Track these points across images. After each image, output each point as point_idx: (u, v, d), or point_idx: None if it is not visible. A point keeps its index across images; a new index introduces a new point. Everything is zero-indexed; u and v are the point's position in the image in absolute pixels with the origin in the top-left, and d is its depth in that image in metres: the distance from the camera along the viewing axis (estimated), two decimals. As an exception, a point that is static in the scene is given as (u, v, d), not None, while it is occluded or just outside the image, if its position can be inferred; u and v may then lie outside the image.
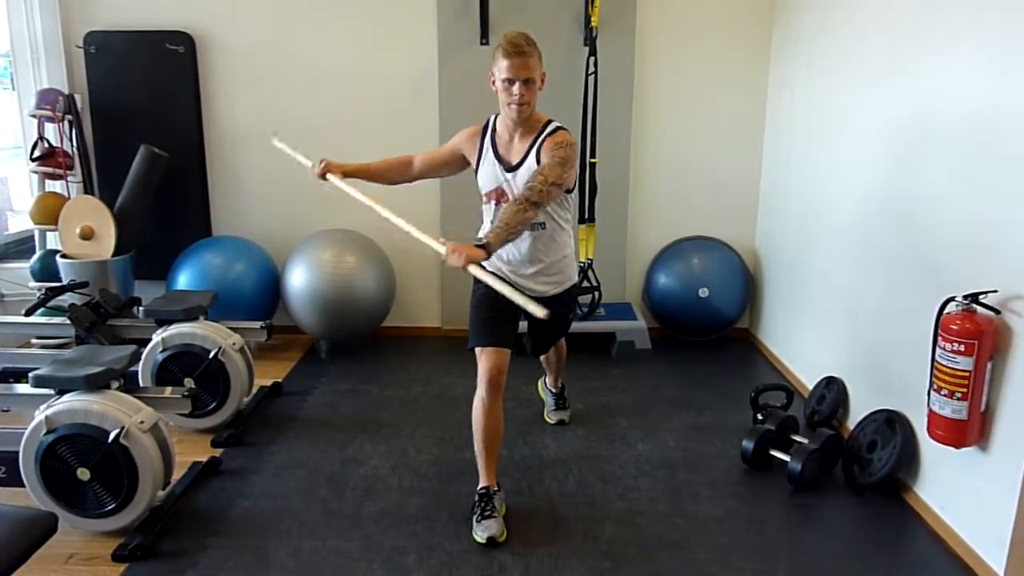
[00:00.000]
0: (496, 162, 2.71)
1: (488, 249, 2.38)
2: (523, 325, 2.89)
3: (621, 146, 4.32)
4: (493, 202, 2.76)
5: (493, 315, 2.71)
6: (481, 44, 4.17)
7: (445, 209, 4.39)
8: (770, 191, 4.31)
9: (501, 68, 2.53)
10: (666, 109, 4.34)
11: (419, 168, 2.93)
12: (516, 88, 2.53)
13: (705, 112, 4.34)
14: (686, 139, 4.38)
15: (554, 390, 3.45)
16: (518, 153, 2.68)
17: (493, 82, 2.60)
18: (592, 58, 4.03)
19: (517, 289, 2.73)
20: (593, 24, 4.03)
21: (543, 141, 2.63)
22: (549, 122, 2.68)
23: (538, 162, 2.62)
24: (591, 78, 4.04)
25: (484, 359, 2.64)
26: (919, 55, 2.75)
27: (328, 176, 2.87)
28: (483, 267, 2.39)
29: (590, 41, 4.05)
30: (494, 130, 2.73)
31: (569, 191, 2.72)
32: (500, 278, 2.76)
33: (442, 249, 2.39)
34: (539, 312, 2.20)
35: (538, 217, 2.70)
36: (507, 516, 2.64)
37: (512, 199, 2.59)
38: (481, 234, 2.77)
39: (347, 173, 2.88)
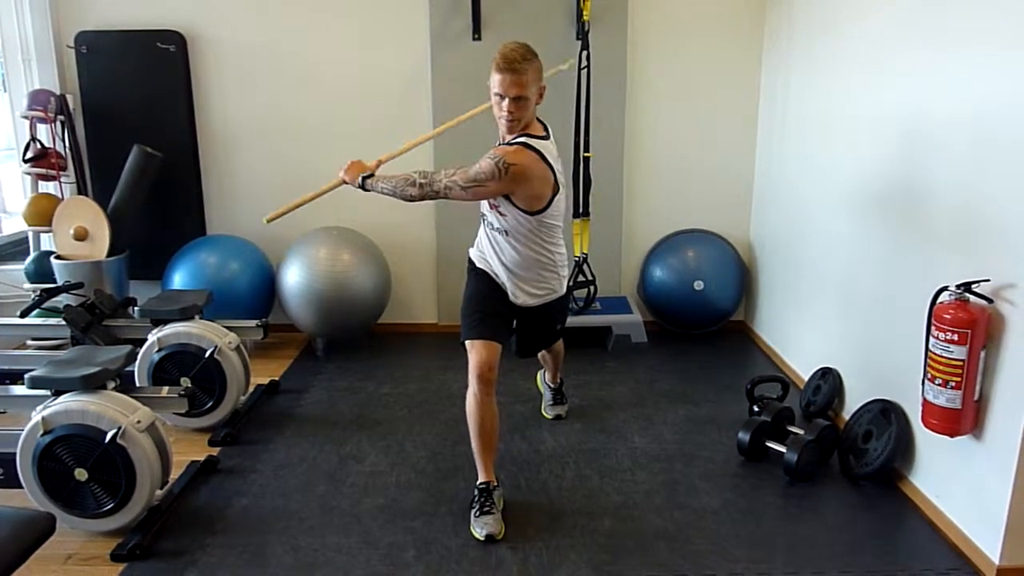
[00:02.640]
0: None
1: (370, 178, 2.73)
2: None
3: (615, 140, 4.32)
4: (488, 203, 2.69)
5: (485, 309, 2.71)
6: (473, 39, 4.17)
7: (439, 212, 4.39)
8: (764, 183, 4.32)
9: (494, 82, 2.48)
10: (659, 102, 4.34)
11: None
12: (506, 104, 2.48)
13: (698, 104, 4.35)
14: (680, 132, 4.38)
15: (552, 385, 3.46)
16: None
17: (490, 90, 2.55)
18: (584, 52, 4.03)
19: (507, 288, 2.76)
20: (585, 18, 4.02)
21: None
22: (524, 134, 2.56)
23: None
24: (584, 72, 4.04)
25: (474, 354, 2.64)
26: (913, 47, 2.76)
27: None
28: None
29: (582, 35, 4.05)
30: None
31: (531, 213, 2.59)
32: (491, 274, 2.79)
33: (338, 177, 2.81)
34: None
35: (495, 223, 2.68)
36: (505, 510, 2.65)
37: (416, 170, 2.66)
38: (481, 234, 2.82)
39: None
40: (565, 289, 2.89)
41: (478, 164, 2.51)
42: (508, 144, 2.55)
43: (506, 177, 2.48)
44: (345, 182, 2.83)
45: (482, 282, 2.79)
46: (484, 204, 2.70)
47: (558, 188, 2.62)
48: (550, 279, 2.79)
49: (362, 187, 2.75)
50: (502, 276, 2.76)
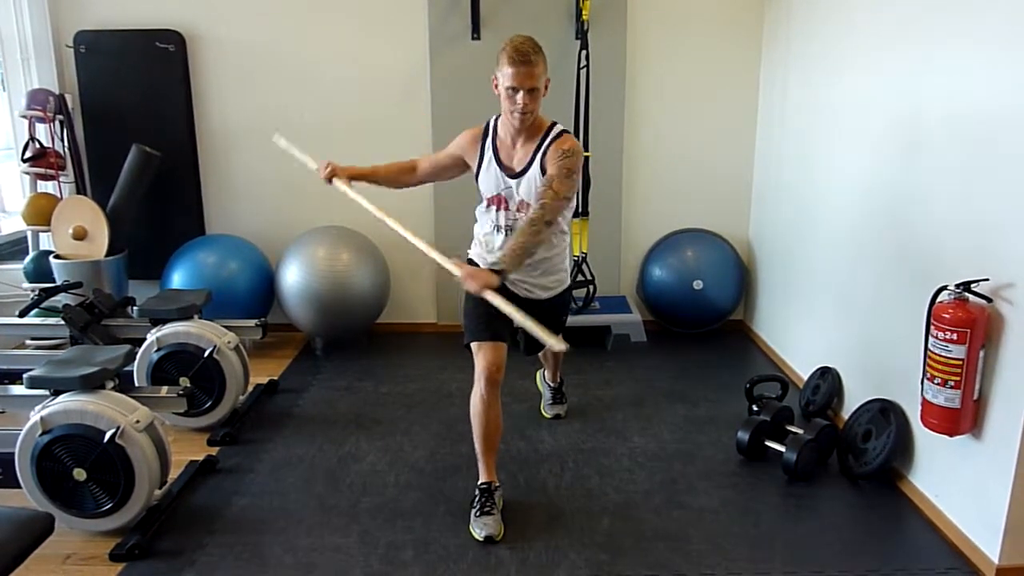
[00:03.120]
0: (498, 168, 2.66)
1: (504, 275, 2.44)
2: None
3: (614, 139, 4.32)
4: (494, 207, 2.71)
5: (489, 310, 2.69)
6: (472, 39, 4.17)
7: (439, 208, 4.39)
8: (763, 182, 4.32)
9: (506, 75, 2.47)
10: (658, 102, 4.34)
11: (422, 173, 2.89)
12: (520, 97, 2.48)
13: (697, 104, 4.34)
14: (679, 131, 4.38)
15: (552, 384, 3.46)
16: (521, 160, 2.64)
17: (496, 86, 2.54)
18: (584, 51, 4.03)
19: (520, 287, 2.76)
20: (584, 17, 4.03)
21: (547, 147, 2.59)
22: (553, 125, 2.64)
23: (543, 170, 2.58)
24: (583, 72, 4.04)
25: (482, 356, 2.62)
26: (912, 46, 2.76)
27: (334, 181, 2.83)
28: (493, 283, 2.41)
29: (582, 35, 4.05)
30: (495, 134, 2.67)
31: (570, 198, 2.68)
32: (509, 299, 2.77)
33: (456, 271, 2.44)
34: (557, 346, 2.33)
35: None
36: (504, 509, 2.65)
37: (527, 218, 2.53)
38: (481, 236, 2.81)
39: (353, 176, 2.84)
40: (569, 279, 2.93)
41: (558, 171, 2.52)
42: (554, 137, 2.60)
43: (581, 163, 2.62)
44: (492, 289, 2.41)
45: None
46: (503, 215, 2.69)
47: None
48: (561, 269, 2.85)
49: (506, 279, 2.50)
50: (524, 276, 2.75)
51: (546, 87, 2.58)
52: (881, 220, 2.97)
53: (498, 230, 2.74)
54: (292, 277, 4.05)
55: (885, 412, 2.82)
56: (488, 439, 2.63)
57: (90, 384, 2.53)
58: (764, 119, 4.28)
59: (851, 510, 2.73)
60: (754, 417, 3.09)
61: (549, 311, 2.89)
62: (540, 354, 3.30)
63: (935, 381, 2.37)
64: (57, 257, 4.09)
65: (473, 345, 2.67)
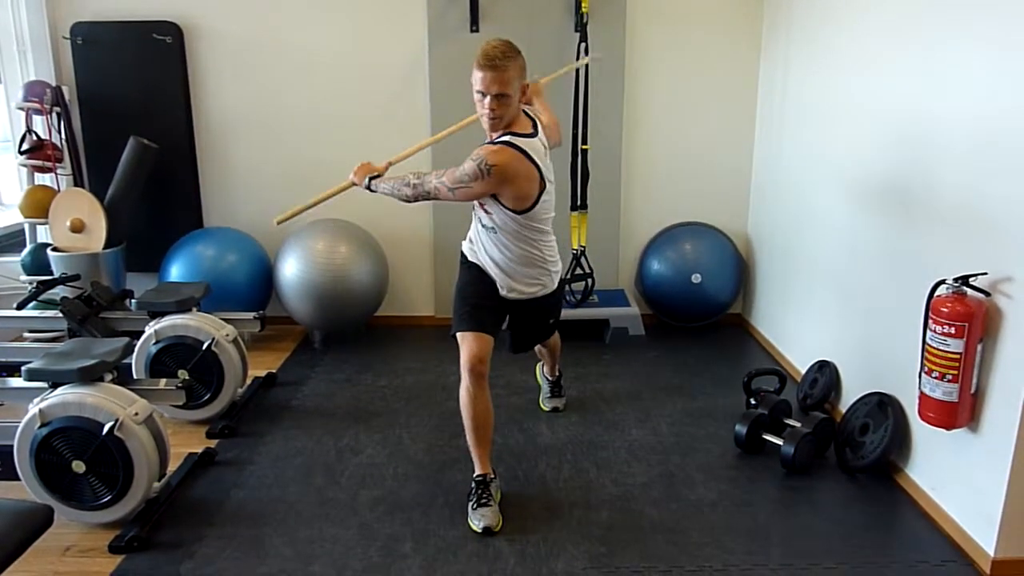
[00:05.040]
0: None
1: (375, 179, 2.76)
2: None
3: (613, 133, 4.31)
4: (479, 208, 2.69)
5: (477, 302, 2.71)
6: (471, 31, 4.15)
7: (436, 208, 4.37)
8: (762, 176, 4.32)
9: (475, 79, 2.46)
10: (658, 95, 4.33)
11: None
12: (487, 102, 2.46)
13: (697, 97, 4.34)
14: (678, 125, 4.37)
15: (550, 378, 3.46)
16: None
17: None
18: (583, 44, 4.02)
19: (497, 282, 2.76)
20: (584, 10, 4.01)
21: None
22: (509, 132, 2.53)
23: None
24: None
25: (465, 346, 2.63)
26: (913, 40, 2.75)
27: None
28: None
29: (581, 27, 4.04)
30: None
31: (519, 212, 2.57)
32: (483, 268, 2.79)
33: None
34: None
35: (484, 220, 2.67)
36: (502, 502, 2.66)
37: (414, 173, 2.68)
38: (473, 235, 2.81)
39: None
40: (557, 284, 2.87)
41: (463, 165, 2.49)
42: (492, 143, 2.53)
43: (489, 177, 2.46)
44: (354, 183, 2.83)
45: (474, 275, 2.78)
46: (482, 214, 2.69)
47: (544, 186, 2.59)
48: (540, 275, 2.78)
49: (368, 188, 2.78)
50: (493, 271, 2.76)
51: (524, 91, 2.54)
52: (880, 214, 2.98)
53: (480, 224, 2.73)
54: (290, 270, 4.05)
55: (883, 405, 2.83)
56: (479, 431, 2.63)
57: (88, 377, 2.53)
58: (764, 113, 4.27)
59: (848, 503, 2.74)
60: (752, 410, 3.10)
61: (533, 312, 2.88)
62: (536, 349, 3.29)
63: (933, 375, 2.38)
64: (55, 250, 4.07)
65: (458, 335, 2.68)
